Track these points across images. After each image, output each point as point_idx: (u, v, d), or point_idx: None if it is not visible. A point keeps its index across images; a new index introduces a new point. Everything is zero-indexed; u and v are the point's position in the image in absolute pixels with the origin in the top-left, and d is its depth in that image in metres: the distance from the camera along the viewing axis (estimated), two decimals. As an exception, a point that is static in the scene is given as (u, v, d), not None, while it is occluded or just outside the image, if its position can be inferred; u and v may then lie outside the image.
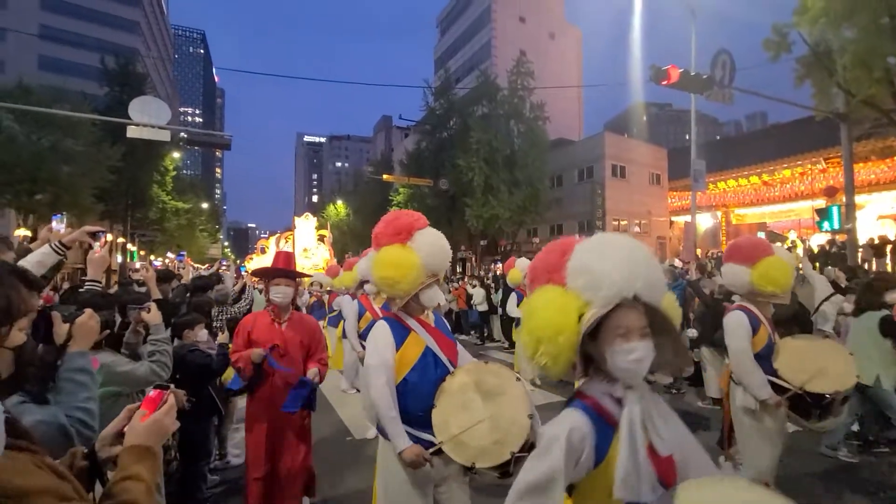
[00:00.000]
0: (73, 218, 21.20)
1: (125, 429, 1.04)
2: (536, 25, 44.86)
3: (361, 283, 5.10)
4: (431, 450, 1.81)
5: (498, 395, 1.76)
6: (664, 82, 9.02)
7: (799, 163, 22.38)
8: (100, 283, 2.22)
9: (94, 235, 2.19)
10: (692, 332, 5.75)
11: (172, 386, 1.13)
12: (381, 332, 2.01)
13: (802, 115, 18.84)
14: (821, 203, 16.64)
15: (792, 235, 17.39)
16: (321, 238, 19.36)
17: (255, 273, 3.68)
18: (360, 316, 4.91)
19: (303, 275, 3.84)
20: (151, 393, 1.07)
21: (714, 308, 5.44)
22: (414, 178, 27.18)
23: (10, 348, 0.88)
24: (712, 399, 5.39)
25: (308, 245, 18.66)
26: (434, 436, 1.81)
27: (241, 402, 5.85)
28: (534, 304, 1.23)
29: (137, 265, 20.46)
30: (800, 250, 12.10)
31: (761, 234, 17.35)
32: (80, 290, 2.13)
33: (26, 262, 2.17)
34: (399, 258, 1.97)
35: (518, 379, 1.79)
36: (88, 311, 1.59)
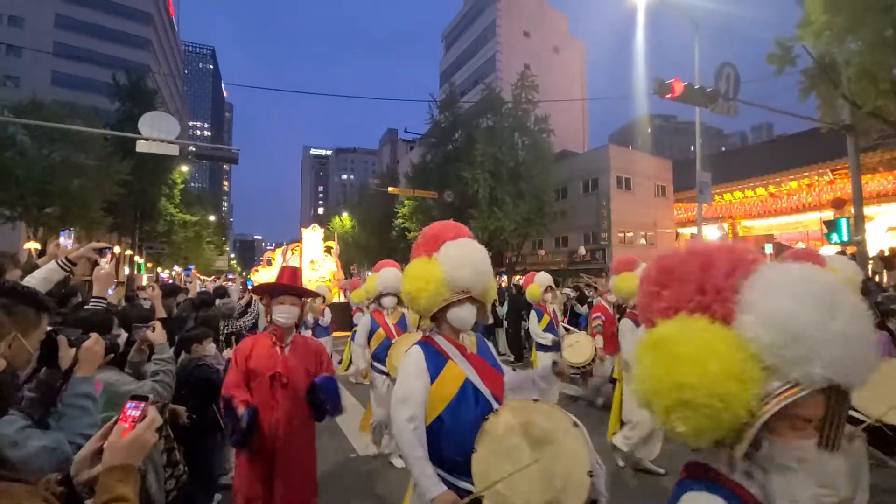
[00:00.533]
0: (82, 231, 21.45)
1: (105, 446, 0.99)
2: (540, 40, 45.42)
3: (377, 298, 4.65)
4: (467, 499, 1.55)
5: (549, 443, 1.51)
6: (668, 96, 9.05)
7: (806, 174, 22.29)
8: (104, 299, 2.22)
9: (101, 251, 2.20)
10: None
11: (152, 397, 1.10)
12: (413, 360, 1.78)
13: (808, 127, 18.79)
14: (829, 215, 16.52)
15: (800, 246, 17.24)
16: (328, 250, 19.07)
17: (258, 290, 3.25)
18: (373, 332, 4.47)
19: (310, 293, 3.30)
20: (129, 404, 1.02)
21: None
22: (419, 190, 27.33)
23: None
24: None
25: (315, 257, 18.31)
26: (473, 484, 1.56)
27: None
28: (677, 345, 0.83)
29: (144, 282, 20.64)
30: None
31: (769, 246, 17.21)
32: (86, 307, 2.13)
33: (32, 279, 2.18)
34: (419, 270, 1.83)
35: (576, 425, 1.54)
36: (94, 335, 1.59)
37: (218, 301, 5.46)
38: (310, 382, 2.47)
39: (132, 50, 46.06)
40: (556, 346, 5.69)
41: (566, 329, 6.31)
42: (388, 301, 4.45)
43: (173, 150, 12.19)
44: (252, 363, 2.48)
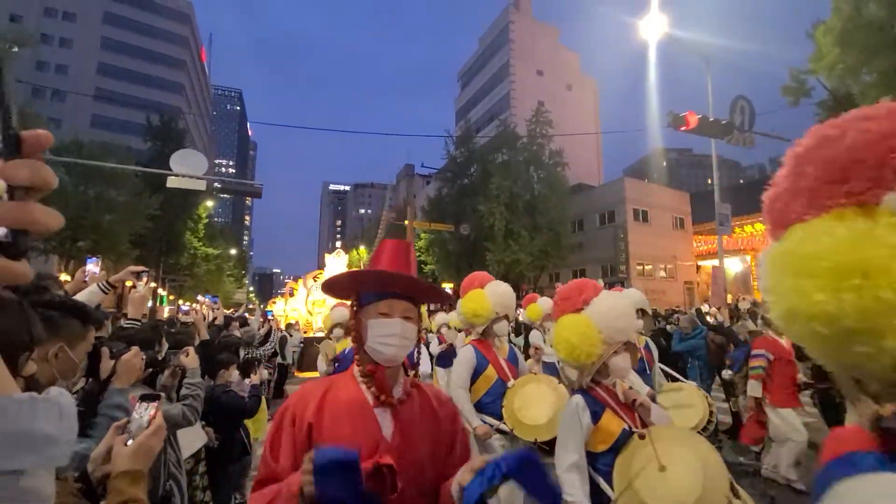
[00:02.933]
0: (110, 263, 22.21)
1: (112, 454, 1.01)
2: (553, 78, 46.70)
3: (491, 322, 5.08)
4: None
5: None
6: (683, 128, 9.16)
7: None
8: (139, 322, 2.31)
9: (139, 275, 2.30)
10: (727, 374, 5.49)
11: (163, 396, 1.11)
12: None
13: (828, 158, 18.59)
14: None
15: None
16: None
17: (332, 286, 1.35)
18: (479, 372, 4.14)
19: (434, 294, 1.51)
20: (140, 406, 1.03)
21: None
22: (435, 223, 27.64)
23: (24, 377, 0.92)
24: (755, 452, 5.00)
25: None
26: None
27: (258, 445, 5.80)
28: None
29: (166, 314, 20.93)
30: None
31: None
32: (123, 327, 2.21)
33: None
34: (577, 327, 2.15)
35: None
36: (135, 349, 1.66)
37: (239, 330, 5.55)
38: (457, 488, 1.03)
39: (166, 94, 48.96)
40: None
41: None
42: (501, 328, 3.24)
43: (200, 185, 12.71)
44: (327, 434, 1.15)
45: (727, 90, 11.21)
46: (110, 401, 1.56)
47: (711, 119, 9.76)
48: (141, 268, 2.34)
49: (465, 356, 3.16)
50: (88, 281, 2.44)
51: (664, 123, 10.26)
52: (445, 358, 6.15)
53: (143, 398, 1.04)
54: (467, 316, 3.25)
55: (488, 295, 3.24)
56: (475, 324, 3.26)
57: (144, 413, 1.04)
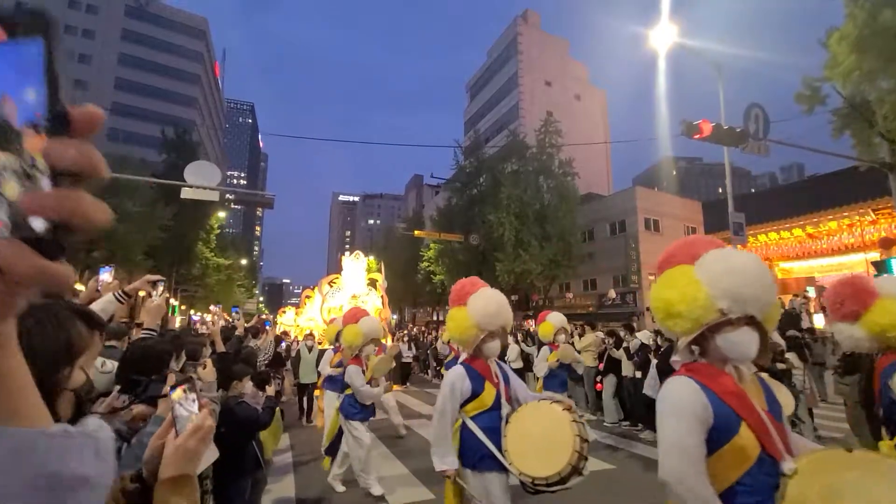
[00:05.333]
0: (124, 273, 22.51)
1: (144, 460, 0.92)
2: (562, 88, 46.87)
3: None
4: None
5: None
6: (696, 136, 9.06)
7: (846, 214, 21.46)
8: (155, 331, 2.28)
9: (154, 284, 2.28)
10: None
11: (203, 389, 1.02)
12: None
13: (842, 166, 18.33)
14: (875, 256, 15.70)
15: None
16: (372, 283, 15.55)
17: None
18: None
19: None
20: (181, 406, 0.91)
21: (766, 369, 5.04)
22: (445, 233, 27.62)
23: (71, 389, 0.85)
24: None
25: (357, 291, 14.76)
26: None
27: (279, 459, 5.74)
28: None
29: (177, 324, 20.86)
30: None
31: (811, 289, 16.37)
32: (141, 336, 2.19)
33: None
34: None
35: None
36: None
37: (253, 341, 5.54)
38: None
39: (181, 107, 49.98)
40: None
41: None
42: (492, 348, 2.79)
43: (213, 196, 12.86)
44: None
45: (738, 100, 11.11)
46: (151, 429, 1.52)
47: (726, 127, 9.65)
48: (157, 277, 2.33)
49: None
50: (102, 290, 2.43)
51: (676, 132, 10.17)
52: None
53: (184, 388, 0.93)
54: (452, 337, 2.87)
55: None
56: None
57: (193, 406, 0.93)
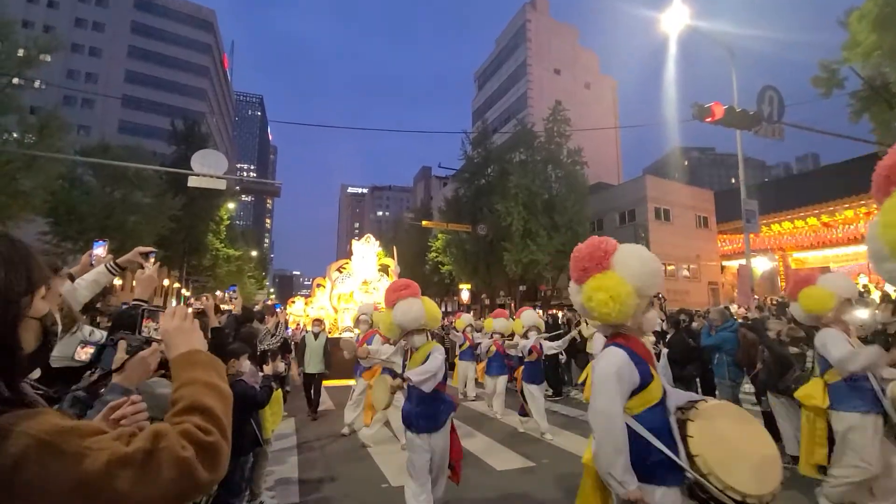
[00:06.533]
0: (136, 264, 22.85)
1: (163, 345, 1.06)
2: (571, 77, 46.19)
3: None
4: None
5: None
6: (708, 119, 8.83)
7: (863, 202, 20.94)
8: (147, 301, 2.26)
9: (146, 256, 2.26)
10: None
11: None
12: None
13: (858, 153, 17.86)
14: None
15: (862, 280, 15.93)
16: (384, 269, 14.93)
17: None
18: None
19: None
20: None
21: (779, 352, 4.92)
22: (453, 224, 27.52)
23: (36, 318, 0.86)
24: (791, 457, 4.68)
25: (369, 277, 14.19)
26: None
27: (282, 443, 5.78)
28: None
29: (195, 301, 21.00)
30: (875, 295, 10.99)
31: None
32: (127, 307, 2.16)
33: (82, 281, 2.25)
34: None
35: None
36: (154, 347, 1.55)
37: (260, 325, 5.55)
38: None
39: (190, 100, 50.22)
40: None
41: None
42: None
43: (221, 185, 12.89)
44: None
45: (751, 88, 10.76)
46: (109, 396, 1.48)
47: (738, 110, 9.39)
48: (149, 249, 2.30)
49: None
50: (95, 264, 2.41)
51: (687, 118, 9.94)
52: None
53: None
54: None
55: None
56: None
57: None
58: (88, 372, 1.60)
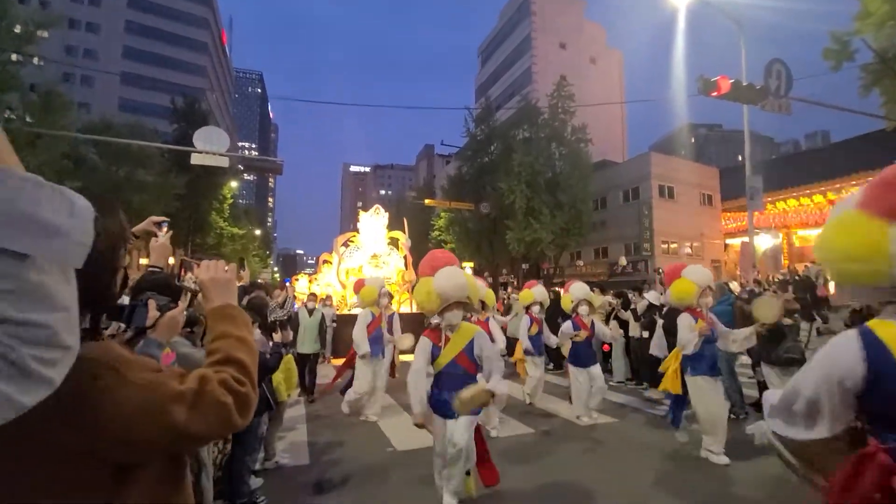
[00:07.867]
0: (141, 243, 23.10)
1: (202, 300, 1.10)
2: (577, 51, 45.19)
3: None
4: None
5: None
6: (714, 93, 8.73)
7: (870, 179, 20.66)
8: (161, 269, 2.35)
9: (159, 225, 2.34)
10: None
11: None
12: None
13: (867, 129, 17.57)
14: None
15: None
16: (394, 242, 14.25)
17: None
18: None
19: None
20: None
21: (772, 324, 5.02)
22: (455, 202, 27.47)
23: (122, 267, 0.92)
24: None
25: (378, 251, 13.55)
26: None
27: (290, 412, 5.99)
28: None
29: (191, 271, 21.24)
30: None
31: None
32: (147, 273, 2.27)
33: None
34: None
35: None
36: (181, 306, 1.69)
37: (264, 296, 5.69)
38: None
39: (190, 76, 49.51)
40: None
41: None
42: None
43: (223, 162, 12.92)
44: None
45: (760, 63, 10.49)
46: (145, 349, 1.59)
47: (745, 84, 9.26)
48: (162, 218, 2.38)
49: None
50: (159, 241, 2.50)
51: (694, 92, 9.80)
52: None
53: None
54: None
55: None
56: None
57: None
58: (121, 329, 1.73)
